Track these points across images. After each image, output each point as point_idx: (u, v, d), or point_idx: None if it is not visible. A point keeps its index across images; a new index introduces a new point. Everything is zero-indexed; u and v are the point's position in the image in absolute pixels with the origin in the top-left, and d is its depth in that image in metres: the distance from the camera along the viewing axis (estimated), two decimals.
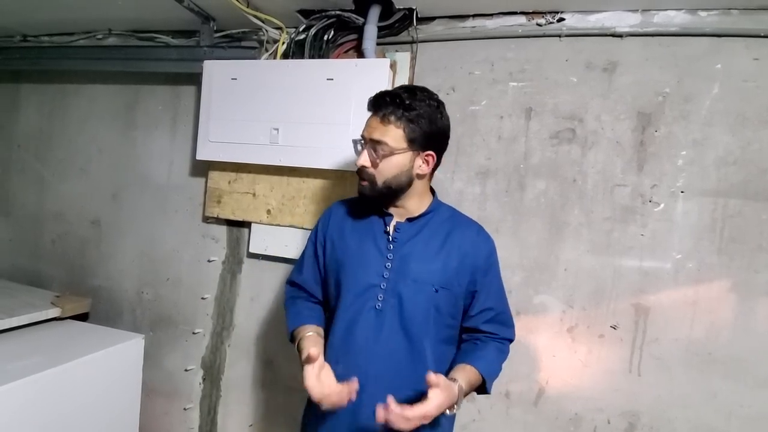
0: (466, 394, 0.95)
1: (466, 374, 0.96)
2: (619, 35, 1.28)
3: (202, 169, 1.70)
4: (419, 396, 0.86)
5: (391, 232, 1.03)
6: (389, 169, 0.97)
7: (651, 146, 1.26)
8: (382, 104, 0.97)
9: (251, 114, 1.48)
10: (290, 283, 1.18)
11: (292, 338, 1.07)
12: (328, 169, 1.42)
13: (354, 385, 0.89)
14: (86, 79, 1.92)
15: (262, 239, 1.60)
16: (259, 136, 1.47)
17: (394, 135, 0.96)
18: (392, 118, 0.96)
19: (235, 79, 1.50)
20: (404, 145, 0.96)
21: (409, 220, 1.03)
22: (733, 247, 1.19)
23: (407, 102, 0.96)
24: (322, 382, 0.90)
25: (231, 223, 1.70)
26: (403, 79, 1.45)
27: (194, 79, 1.68)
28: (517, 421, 1.36)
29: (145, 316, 1.83)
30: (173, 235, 1.79)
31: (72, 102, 1.97)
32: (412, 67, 1.45)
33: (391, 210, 1.04)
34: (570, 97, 1.33)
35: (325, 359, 0.96)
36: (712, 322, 1.21)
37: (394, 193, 1.00)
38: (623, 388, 1.27)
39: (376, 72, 1.34)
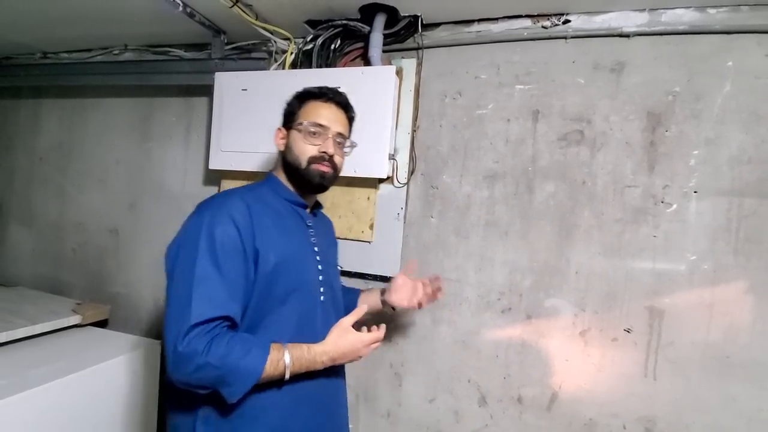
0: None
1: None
2: (627, 35, 1.27)
3: (215, 178, 1.74)
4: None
5: (309, 225, 1.05)
6: (342, 162, 1.06)
7: (662, 146, 1.24)
8: (346, 101, 1.05)
9: (262, 123, 1.51)
10: (218, 319, 0.81)
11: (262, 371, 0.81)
12: None
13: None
14: (104, 93, 1.99)
15: None
16: (270, 145, 1.49)
17: (348, 132, 1.07)
18: (350, 116, 1.07)
19: (246, 89, 1.53)
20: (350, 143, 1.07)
21: (311, 210, 1.09)
22: (750, 247, 1.16)
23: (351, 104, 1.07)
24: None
25: None
26: (409, 85, 1.46)
27: (206, 91, 1.72)
28: (530, 426, 1.35)
29: (163, 322, 1.87)
30: None
31: (90, 115, 2.04)
32: (418, 72, 1.47)
33: (307, 201, 1.06)
34: (577, 98, 1.32)
35: None
36: (729, 325, 1.18)
37: None
38: (638, 393, 1.25)
39: (382, 79, 1.36)
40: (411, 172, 1.48)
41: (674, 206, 1.23)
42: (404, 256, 1.47)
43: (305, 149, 0.98)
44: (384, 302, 1.20)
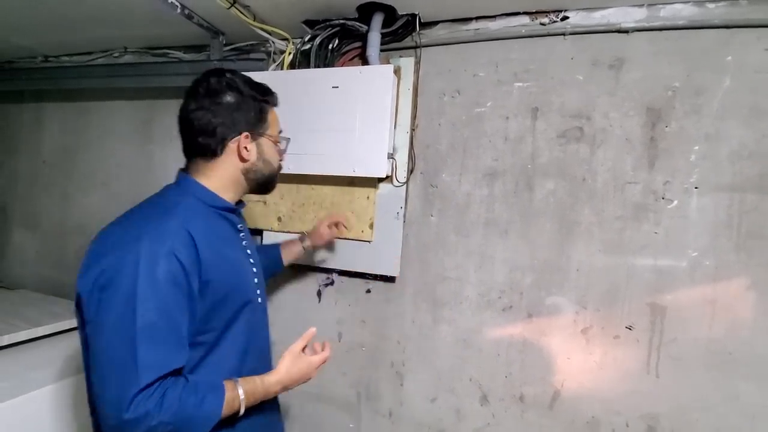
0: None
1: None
2: (625, 31, 1.26)
3: None
4: None
5: (240, 228, 1.01)
6: None
7: (662, 142, 1.24)
8: None
9: None
10: (168, 376, 0.73)
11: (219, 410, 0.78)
12: (336, 176, 1.43)
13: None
14: (105, 97, 2.00)
15: None
16: None
17: None
18: None
19: None
20: None
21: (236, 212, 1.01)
22: (752, 243, 1.15)
23: None
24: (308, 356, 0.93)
25: None
26: (407, 84, 1.46)
27: None
28: (532, 424, 1.34)
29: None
30: None
31: (92, 119, 2.05)
32: (417, 71, 1.47)
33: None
34: (576, 95, 1.31)
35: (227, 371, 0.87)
36: (731, 321, 1.17)
37: None
38: (641, 390, 1.24)
39: (380, 78, 1.35)
40: (410, 171, 1.48)
41: (675, 202, 1.22)
42: (404, 255, 1.47)
43: (277, 159, 1.02)
44: (305, 248, 1.38)
